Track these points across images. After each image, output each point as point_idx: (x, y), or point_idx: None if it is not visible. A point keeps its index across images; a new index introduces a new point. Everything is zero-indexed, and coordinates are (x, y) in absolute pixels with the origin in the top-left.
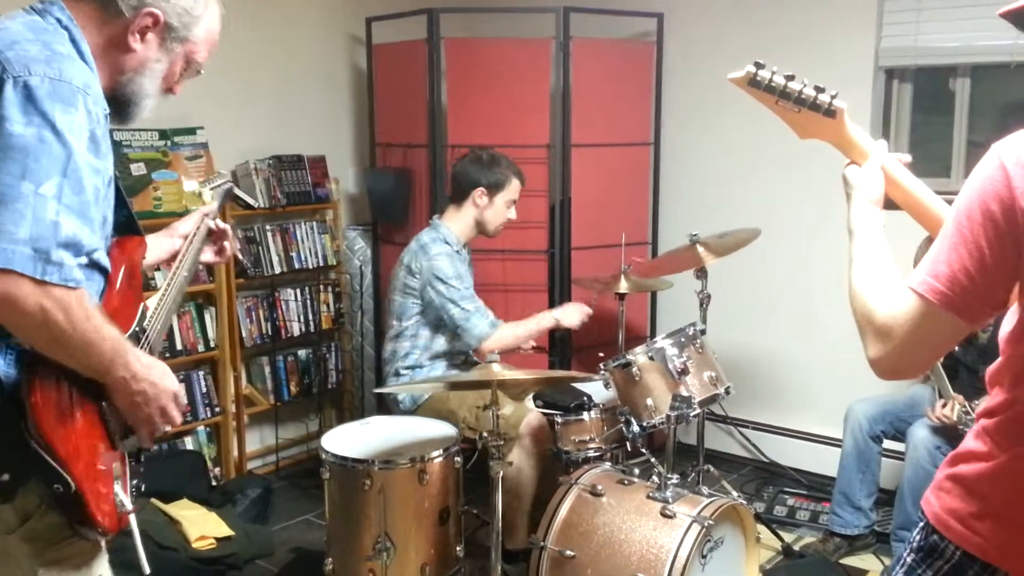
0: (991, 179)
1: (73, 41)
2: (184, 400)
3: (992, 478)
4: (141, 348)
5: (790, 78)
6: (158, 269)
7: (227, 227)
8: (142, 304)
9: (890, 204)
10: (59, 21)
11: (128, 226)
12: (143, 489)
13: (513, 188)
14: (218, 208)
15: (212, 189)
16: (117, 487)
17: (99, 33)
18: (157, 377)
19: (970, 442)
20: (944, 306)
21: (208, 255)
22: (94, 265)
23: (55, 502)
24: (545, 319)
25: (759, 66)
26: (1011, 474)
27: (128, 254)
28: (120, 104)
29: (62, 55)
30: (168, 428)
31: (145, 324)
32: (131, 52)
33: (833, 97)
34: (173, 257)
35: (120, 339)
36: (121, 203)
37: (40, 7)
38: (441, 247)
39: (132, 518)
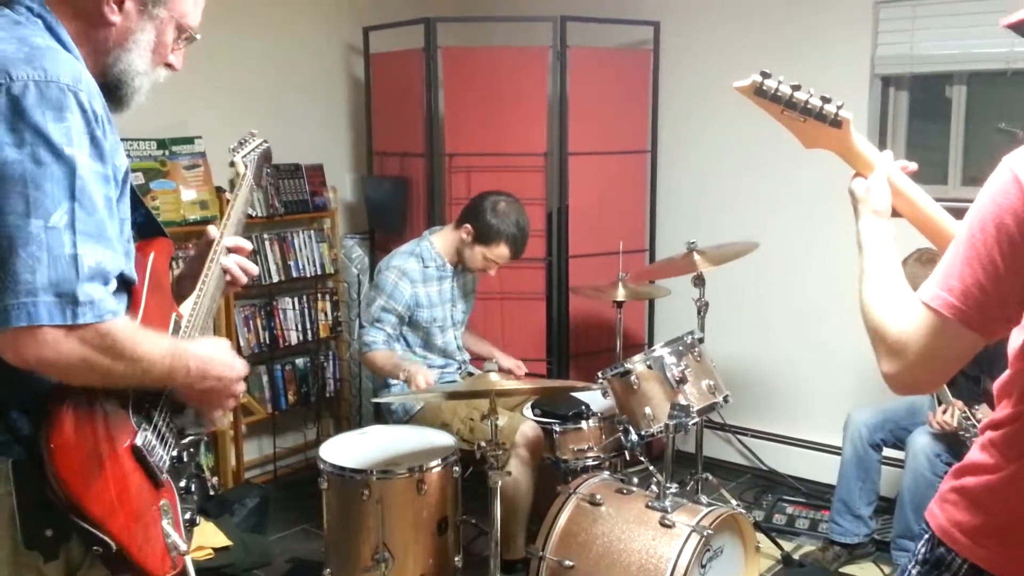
0: (1004, 193)
1: (50, 29)
2: (246, 370)
3: (999, 490)
4: None
5: (796, 88)
6: None
7: (244, 246)
8: (174, 313)
9: (892, 213)
10: (30, 10)
11: (148, 227)
12: (197, 521)
13: (497, 251)
14: (254, 175)
15: (245, 156)
16: (167, 526)
17: (71, 12)
18: (222, 368)
19: (976, 454)
20: (958, 320)
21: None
22: (122, 279)
23: (102, 563)
24: (400, 368)
25: (765, 75)
26: (1018, 486)
27: (151, 259)
28: (112, 88)
29: (41, 48)
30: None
31: (180, 335)
32: (110, 26)
33: (840, 107)
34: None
35: (172, 347)
36: (137, 204)
37: (5, 2)
38: (405, 262)
39: (188, 562)
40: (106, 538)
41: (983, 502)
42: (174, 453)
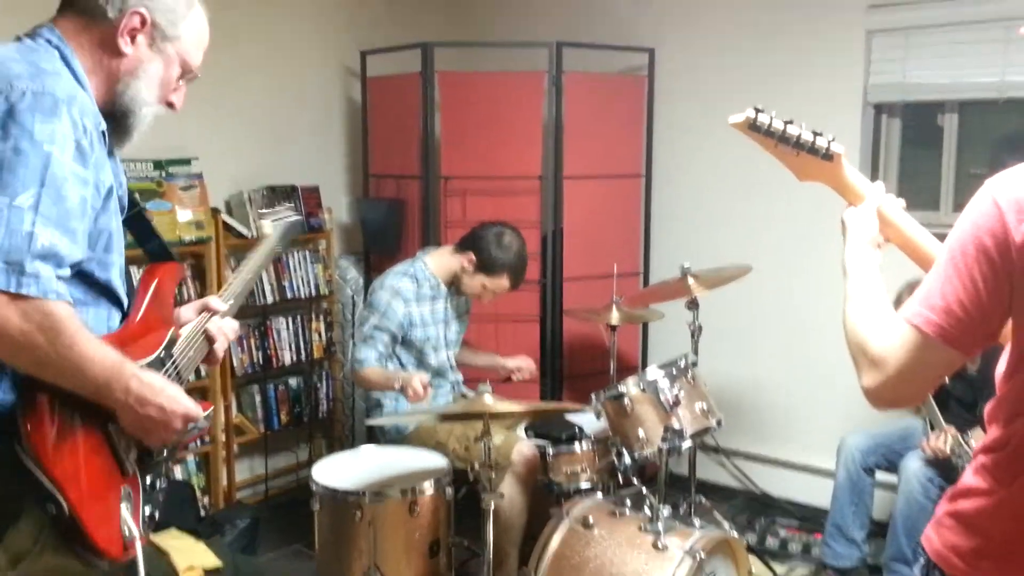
0: (984, 215)
1: (64, 60)
2: (204, 423)
3: (993, 514)
4: (165, 374)
5: (789, 122)
6: None
7: (232, 330)
8: (171, 330)
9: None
10: (49, 42)
11: (161, 255)
12: (157, 518)
13: (497, 282)
14: (279, 241)
15: (275, 222)
16: (125, 512)
17: (89, 42)
18: (167, 401)
19: (969, 478)
20: (939, 337)
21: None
22: (98, 287)
23: (52, 526)
24: (394, 379)
25: (759, 111)
26: (1012, 509)
27: (158, 278)
28: (119, 117)
29: (47, 71)
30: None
31: (173, 351)
32: (122, 56)
33: (831, 141)
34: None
35: (118, 361)
36: (150, 233)
37: (30, 33)
38: (399, 282)
39: (138, 548)
40: (60, 497)
41: (979, 526)
42: (143, 448)
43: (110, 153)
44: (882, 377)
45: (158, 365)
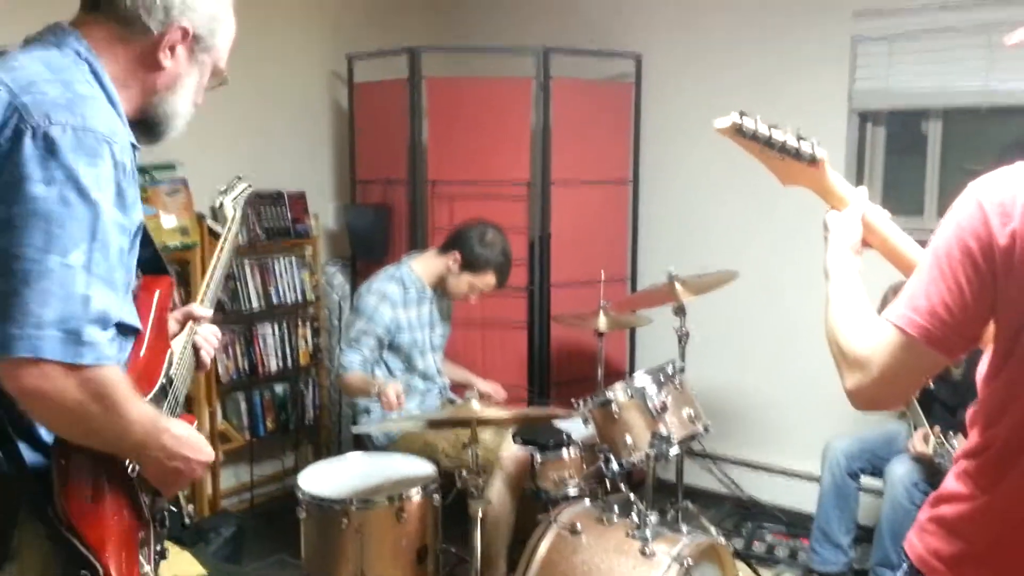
0: (969, 217)
1: (95, 74)
2: (212, 456)
3: (975, 519)
4: (168, 399)
5: (773, 127)
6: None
7: (214, 335)
8: (168, 350)
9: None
10: (78, 53)
11: (153, 265)
12: (166, 555)
13: (484, 279)
14: (240, 219)
15: (234, 200)
16: (143, 558)
17: (123, 55)
18: (191, 451)
19: (951, 483)
20: (924, 339)
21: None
22: (121, 328)
23: None
24: (371, 385)
25: (744, 115)
26: (994, 514)
27: (156, 298)
28: (150, 124)
29: (84, 97)
30: None
31: (172, 372)
32: (160, 70)
33: (815, 145)
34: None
35: (152, 417)
36: (146, 241)
37: (56, 39)
38: (387, 286)
39: None
40: (97, 563)
41: (961, 531)
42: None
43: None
44: (866, 379)
45: (161, 394)
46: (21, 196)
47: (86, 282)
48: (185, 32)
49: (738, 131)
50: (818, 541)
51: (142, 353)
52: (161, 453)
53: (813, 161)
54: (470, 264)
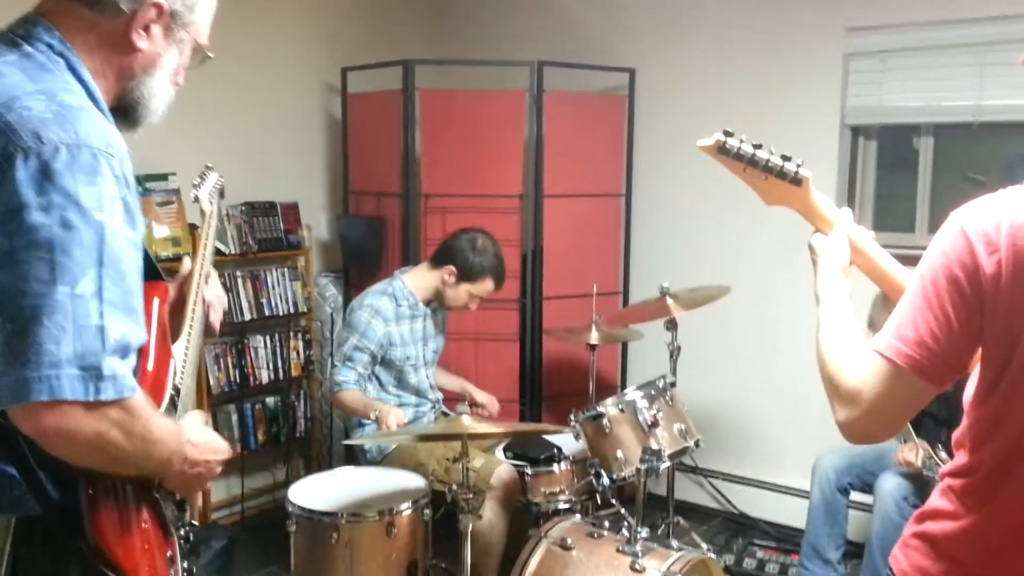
0: (953, 245)
1: (72, 70)
2: (230, 452)
3: (962, 538)
4: (178, 409)
5: (757, 147)
6: None
7: (219, 296)
8: (172, 359)
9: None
10: (51, 47)
11: (147, 270)
12: (195, 572)
13: (482, 286)
14: (217, 211)
15: (209, 193)
16: None
17: (97, 41)
18: (212, 453)
19: (936, 500)
20: (912, 369)
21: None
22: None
23: None
24: (371, 408)
25: (728, 134)
26: (979, 535)
27: (156, 307)
28: (128, 109)
29: (72, 108)
30: None
31: (177, 381)
32: (136, 52)
33: (799, 165)
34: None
35: (174, 432)
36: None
37: (24, 33)
38: (378, 301)
39: None
40: None
41: (947, 549)
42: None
43: None
44: (857, 412)
45: (171, 404)
46: (20, 227)
47: (99, 311)
48: (159, 9)
49: (721, 150)
50: (808, 557)
51: (150, 367)
52: (185, 465)
53: (797, 181)
54: (467, 274)
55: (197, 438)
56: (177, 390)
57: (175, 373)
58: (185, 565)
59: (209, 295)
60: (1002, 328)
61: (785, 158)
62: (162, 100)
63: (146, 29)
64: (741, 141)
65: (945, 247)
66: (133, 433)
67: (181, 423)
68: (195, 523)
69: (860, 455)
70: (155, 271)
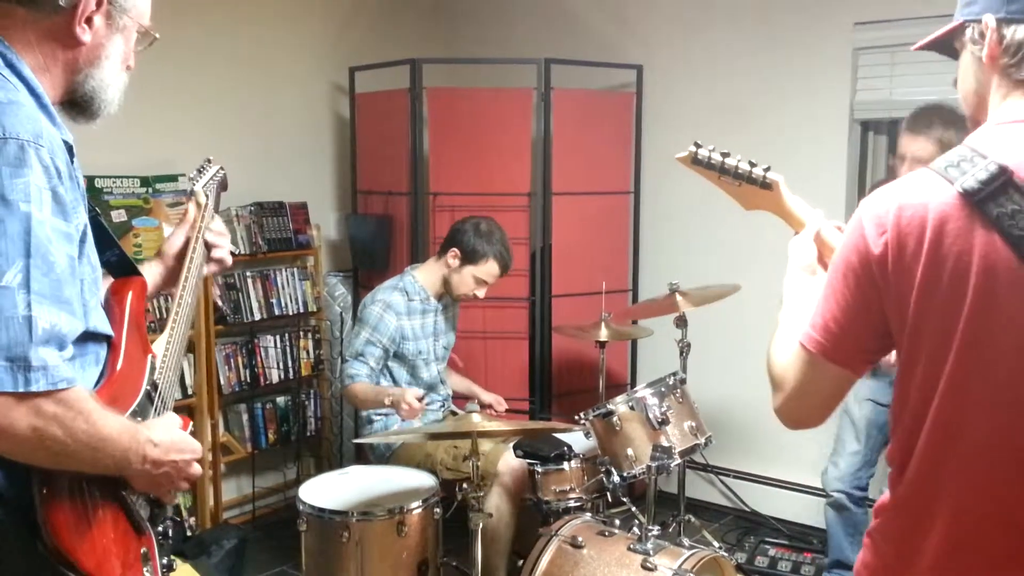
0: (851, 232)
1: (11, 66)
2: (200, 451)
3: (887, 534)
4: (155, 406)
5: (726, 155)
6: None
7: (222, 232)
8: (150, 355)
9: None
10: None
11: (121, 267)
12: (174, 566)
13: (486, 268)
14: (215, 204)
15: (205, 185)
16: (147, 572)
17: (37, 37)
18: (177, 453)
19: (884, 494)
20: (820, 354)
21: (209, 267)
22: (93, 336)
23: None
24: (384, 395)
25: (698, 145)
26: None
27: (129, 301)
28: (83, 104)
29: (2, 104)
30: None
31: (156, 378)
32: (80, 46)
33: (766, 170)
34: (171, 282)
35: (130, 430)
36: (110, 243)
37: None
38: (391, 296)
39: None
40: None
41: (881, 543)
42: (152, 501)
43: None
44: (783, 397)
45: (146, 401)
46: None
47: (27, 302)
48: (99, 0)
49: (695, 160)
50: (838, 572)
51: (119, 365)
52: (147, 465)
53: (767, 185)
54: (470, 256)
55: (160, 437)
56: (155, 385)
57: (153, 370)
58: (165, 561)
59: (210, 237)
60: (896, 308)
61: (752, 164)
62: (116, 89)
63: (88, 21)
64: (711, 151)
65: (847, 235)
66: (75, 428)
67: (143, 422)
68: (177, 518)
69: (861, 452)
70: (130, 266)
